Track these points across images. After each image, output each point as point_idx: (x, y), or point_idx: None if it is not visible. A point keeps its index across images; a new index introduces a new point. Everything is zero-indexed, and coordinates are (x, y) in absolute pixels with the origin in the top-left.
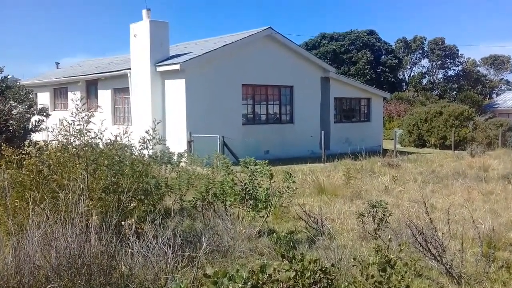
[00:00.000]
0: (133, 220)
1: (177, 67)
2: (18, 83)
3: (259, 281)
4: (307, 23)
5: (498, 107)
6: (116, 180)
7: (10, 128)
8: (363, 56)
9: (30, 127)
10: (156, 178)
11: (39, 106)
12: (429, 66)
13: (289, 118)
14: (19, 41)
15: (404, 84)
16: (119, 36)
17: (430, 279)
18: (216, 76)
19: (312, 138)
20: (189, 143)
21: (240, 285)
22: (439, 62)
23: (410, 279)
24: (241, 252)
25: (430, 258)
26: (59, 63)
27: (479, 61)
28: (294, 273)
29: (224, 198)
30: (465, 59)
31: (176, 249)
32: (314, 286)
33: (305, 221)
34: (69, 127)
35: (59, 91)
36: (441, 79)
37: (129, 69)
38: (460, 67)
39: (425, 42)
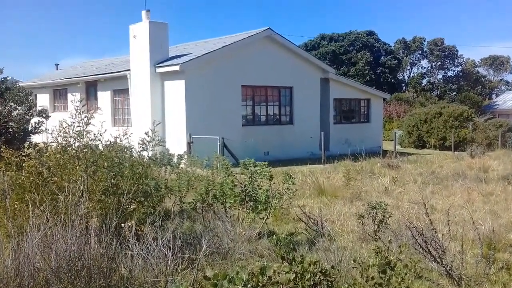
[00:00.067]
0: (133, 222)
1: (176, 68)
2: (17, 85)
3: (259, 283)
4: (307, 24)
5: (497, 107)
6: (115, 182)
7: (10, 130)
8: (363, 57)
9: (29, 128)
10: (156, 179)
11: (38, 108)
12: (428, 67)
13: (288, 119)
14: (19, 41)
15: (403, 85)
16: (118, 37)
17: (430, 281)
18: (215, 77)
19: (312, 139)
20: (189, 144)
21: (240, 287)
22: (439, 63)
23: (410, 281)
24: (241, 254)
25: (430, 259)
26: (58, 64)
27: (478, 61)
28: (294, 275)
29: (224, 200)
30: (464, 60)
31: (176, 251)
32: None
33: (305, 222)
34: (68, 128)
35: (59, 93)
36: (441, 80)
37: (129, 70)
38: (459, 68)
39: (424, 42)
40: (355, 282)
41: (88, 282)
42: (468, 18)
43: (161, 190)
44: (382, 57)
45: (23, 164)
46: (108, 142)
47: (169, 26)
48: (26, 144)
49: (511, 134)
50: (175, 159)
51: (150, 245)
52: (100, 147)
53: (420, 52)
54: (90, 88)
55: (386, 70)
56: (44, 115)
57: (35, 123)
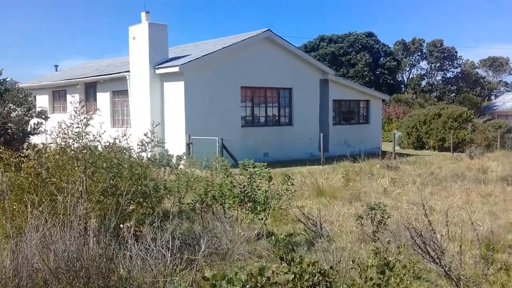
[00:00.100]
0: (131, 222)
1: (176, 69)
2: (16, 86)
3: (258, 284)
4: (307, 24)
5: (496, 109)
6: (114, 183)
7: (9, 131)
8: (362, 58)
9: (28, 130)
10: (155, 180)
11: (37, 109)
12: (427, 68)
13: (288, 120)
14: (18, 42)
15: (403, 86)
16: (118, 38)
17: (429, 282)
18: (215, 79)
19: (311, 140)
20: (188, 145)
21: None
22: (438, 64)
23: (409, 282)
24: (239, 255)
25: (429, 260)
26: (58, 65)
27: (477, 63)
28: (293, 276)
29: (223, 201)
30: (463, 61)
31: (174, 251)
32: None
33: (304, 223)
34: (67, 129)
35: (58, 94)
36: (440, 81)
37: (128, 71)
38: (458, 69)
39: (423, 44)
40: (354, 283)
41: (86, 283)
42: (468, 20)
43: (160, 191)
44: (382, 58)
45: (22, 165)
46: (107, 143)
47: (169, 27)
48: (25, 145)
49: (510, 135)
50: (174, 160)
51: (149, 245)
52: (99, 148)
53: (419, 53)
54: (90, 89)
55: (385, 72)
56: (43, 116)
57: (34, 124)
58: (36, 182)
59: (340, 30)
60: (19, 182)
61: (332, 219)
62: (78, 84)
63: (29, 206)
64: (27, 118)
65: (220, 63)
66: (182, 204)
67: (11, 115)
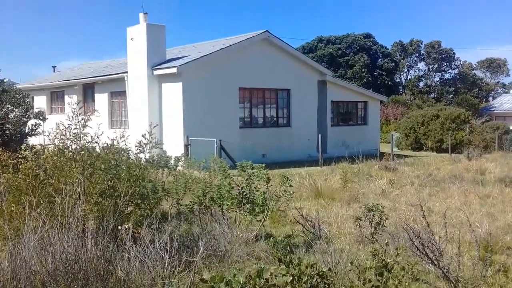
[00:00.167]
0: (129, 224)
1: (174, 70)
2: (14, 87)
3: (256, 286)
4: (305, 25)
5: (494, 110)
6: (112, 184)
7: (7, 132)
8: (360, 60)
9: (26, 131)
10: (153, 182)
11: (35, 110)
12: (425, 70)
13: (286, 121)
14: (16, 42)
15: (400, 87)
16: (116, 39)
17: (427, 283)
18: (213, 80)
19: (309, 141)
20: (186, 146)
21: None
22: (436, 65)
23: (407, 283)
24: (238, 257)
25: (427, 262)
26: (55, 66)
27: (475, 64)
28: (291, 278)
29: (221, 202)
30: (461, 62)
31: (173, 253)
32: None
33: (302, 225)
34: (65, 131)
35: (56, 95)
36: (438, 82)
37: (126, 72)
38: (456, 70)
39: (421, 45)
40: (352, 285)
41: (85, 285)
42: (465, 21)
43: (158, 192)
44: (379, 59)
45: (20, 166)
46: (105, 144)
47: (167, 28)
48: (23, 146)
49: (507, 136)
50: (172, 161)
51: (147, 247)
52: (97, 150)
53: (417, 54)
54: (88, 90)
55: (383, 73)
56: (41, 117)
57: (32, 125)
58: (34, 184)
59: (338, 31)
60: (17, 183)
61: (331, 221)
62: (76, 85)
63: (27, 208)
64: (25, 119)
65: (218, 64)
66: (181, 205)
67: (9, 116)
